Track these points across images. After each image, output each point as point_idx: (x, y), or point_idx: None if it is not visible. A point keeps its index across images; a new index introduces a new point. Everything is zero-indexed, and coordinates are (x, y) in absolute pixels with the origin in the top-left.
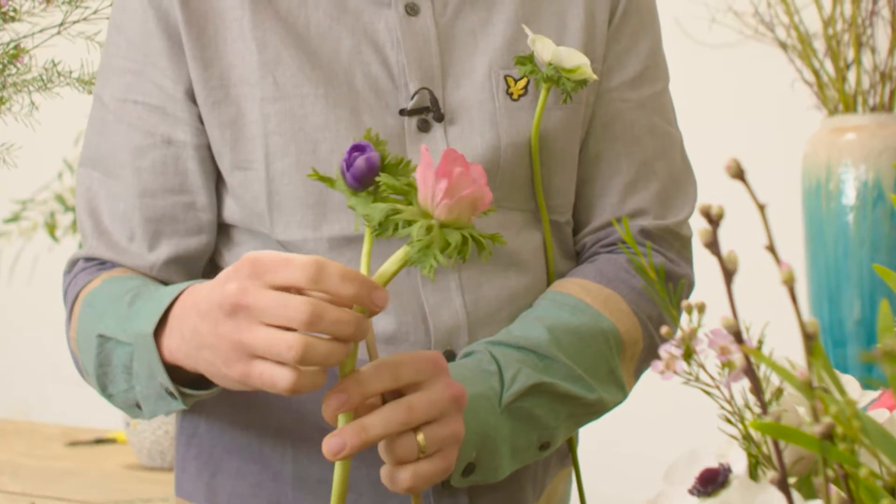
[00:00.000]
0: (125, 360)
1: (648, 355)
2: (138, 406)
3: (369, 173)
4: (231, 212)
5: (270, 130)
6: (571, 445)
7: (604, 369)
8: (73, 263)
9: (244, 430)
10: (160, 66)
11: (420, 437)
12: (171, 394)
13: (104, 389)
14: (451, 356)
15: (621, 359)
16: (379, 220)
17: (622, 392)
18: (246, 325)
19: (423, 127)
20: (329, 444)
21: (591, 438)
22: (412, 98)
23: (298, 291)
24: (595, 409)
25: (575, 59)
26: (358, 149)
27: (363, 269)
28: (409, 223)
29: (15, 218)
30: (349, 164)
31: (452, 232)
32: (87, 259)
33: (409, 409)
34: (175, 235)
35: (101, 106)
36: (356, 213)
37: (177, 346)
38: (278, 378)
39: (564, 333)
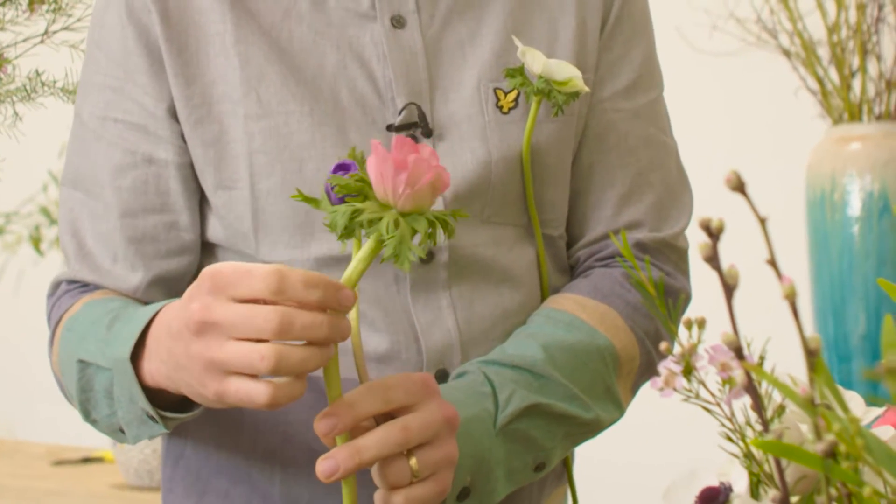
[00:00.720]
0: (106, 385)
1: (645, 371)
2: (122, 431)
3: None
4: (215, 231)
5: (255, 149)
6: (567, 463)
7: (600, 387)
8: (55, 286)
9: (231, 451)
10: (141, 84)
11: (413, 461)
12: (152, 418)
13: (87, 415)
14: (443, 375)
15: (618, 376)
16: (344, 224)
17: (619, 410)
18: (216, 342)
19: None
20: (322, 467)
21: (587, 454)
22: (400, 113)
23: (264, 302)
24: (591, 428)
25: (566, 71)
26: (342, 167)
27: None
28: (373, 221)
29: None
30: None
31: (417, 218)
32: (70, 281)
33: (404, 429)
34: (157, 256)
35: (81, 124)
36: None
37: (157, 368)
38: (254, 393)
39: (560, 351)
